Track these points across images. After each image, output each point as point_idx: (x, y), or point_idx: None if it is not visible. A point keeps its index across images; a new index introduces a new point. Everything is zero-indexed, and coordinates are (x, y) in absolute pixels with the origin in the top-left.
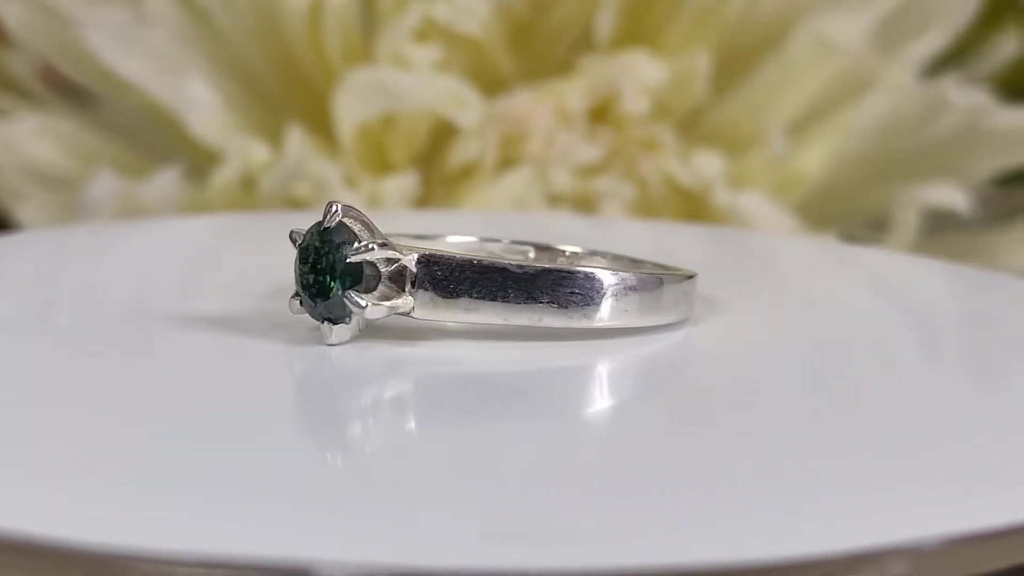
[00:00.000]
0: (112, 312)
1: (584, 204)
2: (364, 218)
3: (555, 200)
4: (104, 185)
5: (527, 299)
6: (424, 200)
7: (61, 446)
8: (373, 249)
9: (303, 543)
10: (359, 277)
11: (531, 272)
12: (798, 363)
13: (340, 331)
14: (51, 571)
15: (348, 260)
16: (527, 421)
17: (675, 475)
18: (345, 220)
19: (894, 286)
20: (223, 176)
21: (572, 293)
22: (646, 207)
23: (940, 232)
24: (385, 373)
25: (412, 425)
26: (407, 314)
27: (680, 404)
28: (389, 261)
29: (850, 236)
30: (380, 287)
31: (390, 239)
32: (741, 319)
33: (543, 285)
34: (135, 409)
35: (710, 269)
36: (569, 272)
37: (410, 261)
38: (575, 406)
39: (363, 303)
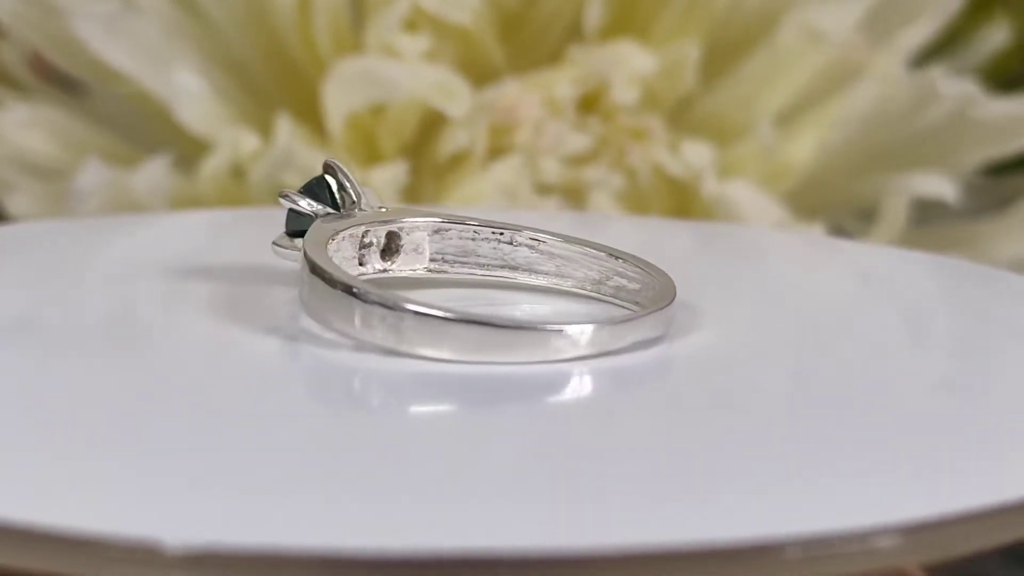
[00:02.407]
0: (101, 311)
1: (573, 194)
2: (341, 179)
3: (544, 190)
4: (94, 175)
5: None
6: (413, 189)
7: (46, 439)
8: (287, 197)
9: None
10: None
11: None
12: (784, 361)
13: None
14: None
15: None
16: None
17: (659, 465)
18: (325, 176)
19: (883, 282)
20: (213, 166)
21: None
22: (635, 197)
23: (929, 222)
24: (364, 370)
25: (392, 418)
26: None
27: (661, 402)
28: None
29: (839, 226)
30: None
31: (347, 205)
32: (727, 318)
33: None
34: (121, 403)
35: (696, 267)
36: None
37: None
38: (557, 401)
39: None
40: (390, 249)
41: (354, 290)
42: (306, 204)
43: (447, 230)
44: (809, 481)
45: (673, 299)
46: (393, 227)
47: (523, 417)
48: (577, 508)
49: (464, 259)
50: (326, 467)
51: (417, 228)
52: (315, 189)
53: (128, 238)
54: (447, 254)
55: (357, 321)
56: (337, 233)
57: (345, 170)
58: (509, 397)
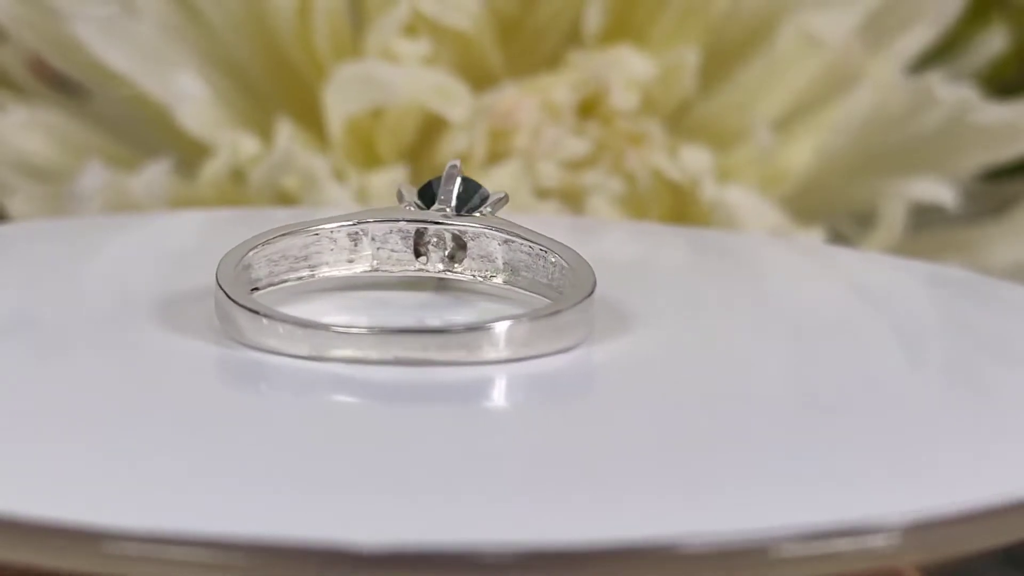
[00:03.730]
0: (96, 309)
1: (572, 198)
2: (447, 178)
3: (543, 194)
4: (93, 178)
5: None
6: None
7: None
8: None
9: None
10: None
11: None
12: (779, 362)
13: None
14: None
15: None
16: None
17: (653, 462)
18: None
19: (877, 287)
20: (212, 169)
21: None
22: (634, 201)
23: (927, 227)
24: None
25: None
26: None
27: (651, 401)
28: None
29: (837, 230)
30: None
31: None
32: (723, 321)
33: None
34: (113, 400)
35: (687, 275)
36: None
37: None
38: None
39: None
40: (456, 252)
41: (250, 308)
42: (409, 200)
43: (512, 241)
44: (804, 480)
45: (592, 293)
46: (455, 230)
47: (500, 417)
48: (576, 507)
49: (526, 272)
50: (281, 464)
51: (484, 235)
52: (430, 186)
53: (124, 237)
54: (513, 263)
55: (246, 329)
56: (305, 230)
57: (453, 173)
58: (479, 397)
